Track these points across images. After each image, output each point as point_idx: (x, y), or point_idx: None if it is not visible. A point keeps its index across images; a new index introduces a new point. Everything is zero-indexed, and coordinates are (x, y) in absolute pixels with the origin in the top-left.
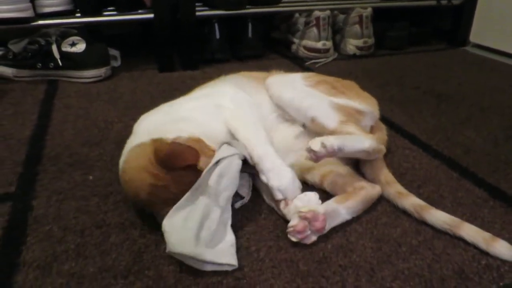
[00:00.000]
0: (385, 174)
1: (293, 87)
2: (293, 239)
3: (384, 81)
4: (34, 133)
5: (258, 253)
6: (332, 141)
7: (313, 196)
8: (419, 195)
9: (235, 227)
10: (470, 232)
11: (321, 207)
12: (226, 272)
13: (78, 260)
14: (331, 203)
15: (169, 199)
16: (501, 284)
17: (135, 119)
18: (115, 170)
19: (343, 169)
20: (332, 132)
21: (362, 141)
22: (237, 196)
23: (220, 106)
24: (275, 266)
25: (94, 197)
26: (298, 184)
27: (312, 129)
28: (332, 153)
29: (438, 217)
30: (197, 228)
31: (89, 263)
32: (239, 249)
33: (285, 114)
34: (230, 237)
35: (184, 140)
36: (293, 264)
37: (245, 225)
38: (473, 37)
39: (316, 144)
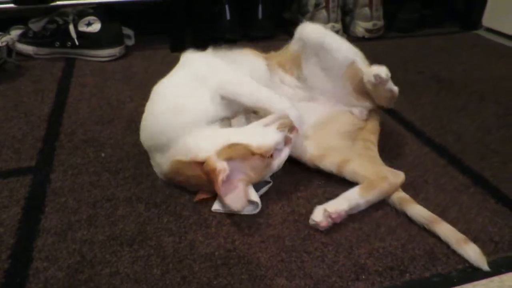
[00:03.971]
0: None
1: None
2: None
3: (390, 64)
4: (52, 110)
5: (249, 229)
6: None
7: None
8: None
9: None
10: (445, 230)
11: (346, 204)
12: (219, 244)
13: (90, 229)
14: (355, 197)
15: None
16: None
17: (146, 98)
18: (126, 148)
19: (359, 150)
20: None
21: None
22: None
23: (201, 77)
24: (263, 241)
25: (105, 172)
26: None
27: (346, 76)
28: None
29: (417, 212)
30: None
31: (99, 231)
32: (231, 225)
33: (321, 62)
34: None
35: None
36: (280, 240)
37: None
38: (486, 21)
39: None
